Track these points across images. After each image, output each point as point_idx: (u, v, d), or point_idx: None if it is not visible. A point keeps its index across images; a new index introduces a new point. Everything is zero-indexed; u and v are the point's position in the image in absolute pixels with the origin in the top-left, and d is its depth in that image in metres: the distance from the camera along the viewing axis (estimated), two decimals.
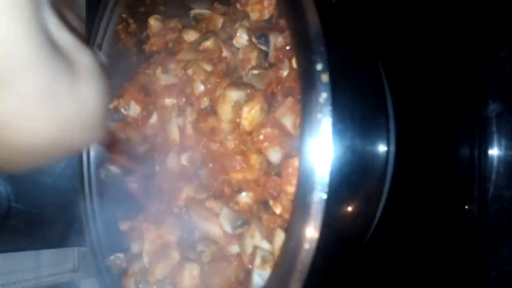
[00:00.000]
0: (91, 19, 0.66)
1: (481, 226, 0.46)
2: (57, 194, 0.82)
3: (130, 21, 0.66)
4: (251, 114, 0.48)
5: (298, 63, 0.37)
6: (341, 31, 0.43)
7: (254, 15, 0.54)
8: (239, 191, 0.51)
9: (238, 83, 0.52)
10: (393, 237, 0.51)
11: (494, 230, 0.46)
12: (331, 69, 0.35)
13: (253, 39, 0.53)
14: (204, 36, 0.59)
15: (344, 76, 0.39)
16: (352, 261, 0.45)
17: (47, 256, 0.97)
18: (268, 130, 0.47)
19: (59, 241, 0.91)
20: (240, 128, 0.50)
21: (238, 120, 0.50)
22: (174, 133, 0.60)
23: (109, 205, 0.69)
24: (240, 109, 0.49)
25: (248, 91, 0.49)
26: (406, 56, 0.52)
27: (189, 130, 0.57)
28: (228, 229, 0.50)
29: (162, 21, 0.66)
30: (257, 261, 0.46)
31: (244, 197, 0.50)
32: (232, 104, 0.49)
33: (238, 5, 0.56)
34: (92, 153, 0.69)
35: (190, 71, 0.57)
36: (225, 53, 0.56)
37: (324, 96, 0.35)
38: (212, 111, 0.55)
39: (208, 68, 0.57)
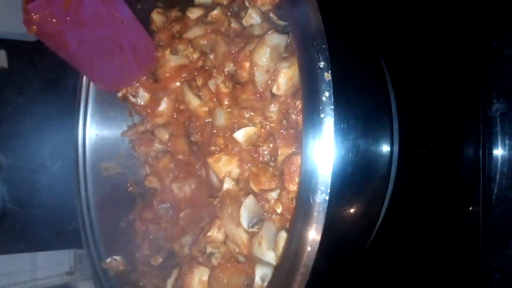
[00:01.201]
0: None
1: (485, 227, 0.45)
2: (52, 195, 0.81)
3: None
4: (291, 70, 0.44)
5: (300, 60, 0.37)
6: (344, 29, 0.42)
7: (265, 8, 0.53)
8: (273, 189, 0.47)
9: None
10: (396, 238, 0.50)
11: (498, 231, 0.45)
12: (334, 67, 0.34)
13: (271, 14, 0.51)
14: (211, 7, 0.57)
15: (347, 74, 0.38)
16: (356, 263, 0.45)
17: (43, 258, 0.96)
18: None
19: (55, 243, 0.90)
20: (272, 91, 0.46)
21: (275, 71, 0.45)
22: (194, 102, 0.57)
23: (106, 206, 0.68)
24: (278, 59, 0.45)
25: (289, 39, 0.46)
26: (409, 54, 0.51)
27: (223, 88, 0.53)
28: (244, 223, 0.48)
29: (164, 14, 0.65)
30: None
31: (275, 196, 0.47)
32: (270, 48, 0.45)
33: (246, 3, 0.55)
34: (88, 154, 0.68)
35: (213, 35, 0.54)
36: (234, 24, 0.54)
37: (326, 94, 0.34)
38: (243, 81, 0.51)
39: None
